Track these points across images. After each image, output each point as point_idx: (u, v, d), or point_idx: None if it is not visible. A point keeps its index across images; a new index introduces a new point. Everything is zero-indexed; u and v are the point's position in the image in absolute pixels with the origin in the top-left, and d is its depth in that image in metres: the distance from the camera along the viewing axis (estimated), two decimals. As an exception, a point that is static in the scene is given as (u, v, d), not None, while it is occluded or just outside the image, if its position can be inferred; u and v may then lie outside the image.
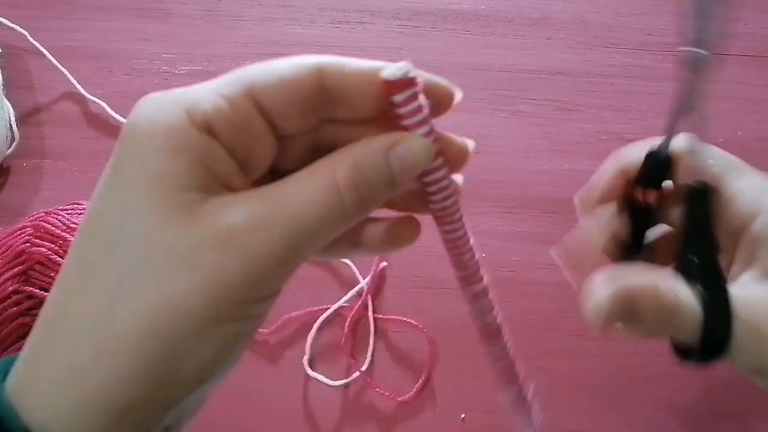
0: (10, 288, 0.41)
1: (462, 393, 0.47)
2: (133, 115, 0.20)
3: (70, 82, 0.55)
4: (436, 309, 0.49)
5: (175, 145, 0.19)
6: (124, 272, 0.19)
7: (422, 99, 0.23)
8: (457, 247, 0.25)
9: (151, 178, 0.19)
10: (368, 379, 0.46)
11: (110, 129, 0.54)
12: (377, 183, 0.21)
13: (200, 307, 0.19)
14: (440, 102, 0.24)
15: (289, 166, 0.22)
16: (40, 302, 0.41)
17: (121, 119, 0.53)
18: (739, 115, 0.56)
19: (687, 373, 0.48)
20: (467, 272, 0.26)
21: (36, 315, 0.41)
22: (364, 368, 0.47)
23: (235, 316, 0.20)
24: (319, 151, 0.22)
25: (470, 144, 0.25)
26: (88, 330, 0.19)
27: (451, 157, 0.24)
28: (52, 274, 0.41)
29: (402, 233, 0.24)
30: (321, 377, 0.46)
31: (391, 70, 0.23)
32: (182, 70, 0.57)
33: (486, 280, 0.26)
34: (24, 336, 0.41)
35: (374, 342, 0.48)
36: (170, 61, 0.57)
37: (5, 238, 0.44)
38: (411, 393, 0.46)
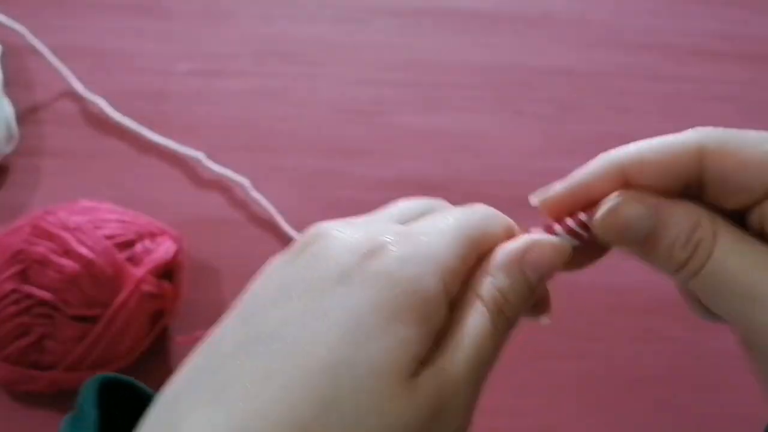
0: (9, 287, 0.41)
1: (461, 393, 0.46)
2: (380, 263, 0.20)
3: (69, 80, 0.54)
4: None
5: (426, 315, 0.19)
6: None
7: None
8: None
9: (395, 345, 0.19)
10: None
11: (109, 128, 0.54)
12: (519, 300, 0.22)
13: None
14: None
15: None
16: (38, 301, 0.41)
17: (121, 118, 0.53)
18: (740, 115, 0.56)
19: (687, 375, 0.48)
20: None
21: (34, 314, 0.41)
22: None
23: None
24: None
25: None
26: None
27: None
28: (51, 273, 0.41)
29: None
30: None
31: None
32: (181, 68, 0.56)
33: None
34: (22, 335, 0.41)
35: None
36: (169, 59, 0.57)
37: (3, 236, 0.43)
38: (410, 393, 0.46)
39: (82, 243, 0.42)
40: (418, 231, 0.21)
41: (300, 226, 0.49)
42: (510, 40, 0.59)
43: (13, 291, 0.41)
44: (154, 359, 0.46)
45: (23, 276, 0.42)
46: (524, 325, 0.50)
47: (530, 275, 0.22)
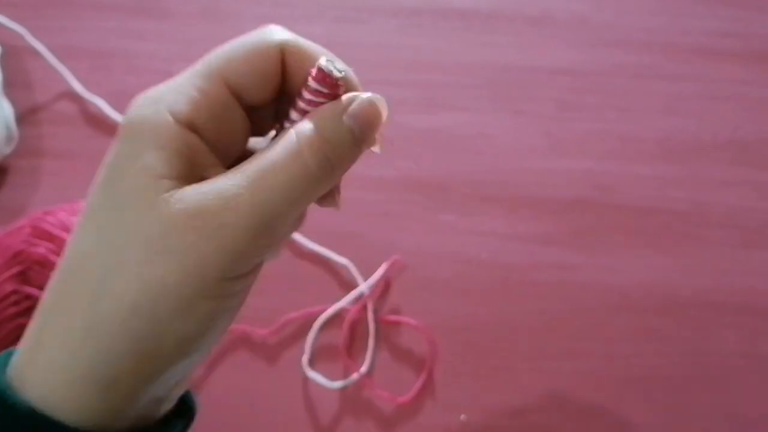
0: (9, 288, 0.41)
1: (462, 394, 0.47)
2: (127, 115, 0.23)
3: (69, 81, 0.54)
4: (436, 309, 0.49)
5: (159, 142, 0.21)
6: (112, 260, 0.21)
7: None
8: None
9: (138, 171, 0.21)
10: (368, 380, 0.46)
11: (109, 128, 0.54)
12: (340, 144, 0.22)
13: (178, 287, 0.20)
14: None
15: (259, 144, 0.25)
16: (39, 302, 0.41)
17: (120, 118, 0.53)
18: (740, 115, 0.56)
19: (686, 375, 0.48)
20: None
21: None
22: (363, 369, 0.47)
23: (213, 294, 0.21)
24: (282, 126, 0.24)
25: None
26: (79, 314, 0.21)
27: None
28: (51, 274, 0.41)
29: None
30: (320, 378, 0.46)
31: (328, 63, 0.24)
32: (181, 68, 0.56)
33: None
34: (22, 336, 0.41)
35: (374, 342, 0.48)
36: (169, 59, 0.57)
37: (4, 237, 0.43)
38: (410, 393, 0.46)
39: (82, 244, 0.42)
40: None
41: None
42: (510, 39, 0.59)
43: (14, 292, 0.41)
44: (155, 360, 0.46)
45: (23, 277, 0.42)
46: (524, 324, 0.51)
47: (352, 123, 0.23)
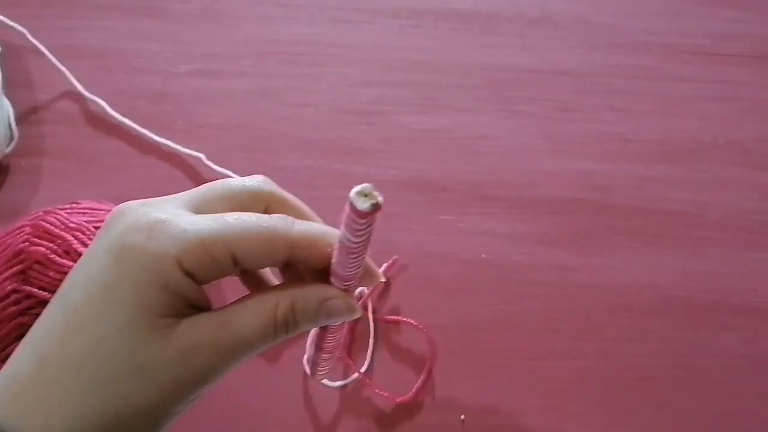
0: (9, 287, 0.41)
1: (462, 394, 0.47)
2: (134, 231, 0.25)
3: (70, 80, 0.55)
4: (436, 309, 0.49)
5: (164, 284, 0.24)
6: (108, 374, 0.24)
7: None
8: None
9: (144, 306, 0.24)
10: (367, 380, 0.46)
11: (110, 128, 0.54)
12: (304, 323, 0.27)
13: (156, 408, 0.24)
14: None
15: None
16: (39, 302, 0.41)
17: (121, 118, 0.53)
18: (740, 115, 0.56)
19: (687, 375, 0.48)
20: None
21: (35, 314, 0.41)
22: (363, 369, 0.47)
23: (182, 407, 0.25)
24: None
25: (382, 279, 0.31)
26: (75, 403, 0.24)
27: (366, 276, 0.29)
28: (51, 274, 0.41)
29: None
30: (320, 377, 0.46)
31: (363, 204, 0.24)
32: (182, 68, 0.57)
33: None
34: (22, 336, 0.41)
35: (373, 342, 0.48)
36: (170, 59, 0.57)
37: (4, 237, 0.43)
38: (410, 393, 0.46)
39: (83, 243, 0.42)
40: (182, 215, 0.26)
41: (300, 227, 0.49)
42: (510, 40, 0.59)
43: (14, 291, 0.41)
44: (155, 359, 0.46)
45: (24, 276, 0.42)
46: (523, 324, 0.51)
47: (322, 314, 0.27)
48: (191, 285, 0.25)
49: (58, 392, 0.24)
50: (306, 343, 0.47)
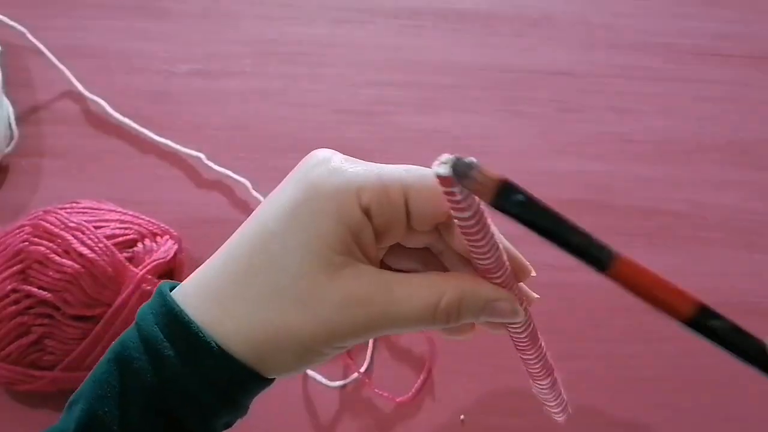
0: (9, 287, 0.41)
1: (461, 393, 0.47)
2: (324, 167, 0.26)
3: (70, 80, 0.55)
4: (435, 309, 0.49)
5: (342, 217, 0.25)
6: (276, 290, 0.25)
7: (464, 196, 0.25)
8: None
9: (320, 235, 0.25)
10: (367, 380, 0.46)
11: (110, 127, 0.54)
12: (466, 317, 0.27)
13: (307, 341, 0.25)
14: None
15: (404, 251, 0.29)
16: (39, 301, 0.41)
17: (121, 118, 0.53)
18: (741, 116, 0.56)
19: (686, 376, 0.48)
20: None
21: (34, 314, 0.41)
22: (363, 368, 0.47)
23: (328, 352, 0.26)
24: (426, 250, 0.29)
25: (533, 272, 0.30)
26: (247, 306, 0.25)
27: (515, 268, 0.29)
28: (51, 273, 0.41)
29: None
30: (320, 377, 0.46)
31: (440, 168, 0.24)
32: (182, 68, 0.57)
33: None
34: (22, 335, 0.41)
35: (373, 342, 0.48)
36: (170, 59, 0.57)
37: (4, 236, 0.43)
38: (410, 393, 0.46)
39: (83, 243, 0.42)
40: (369, 164, 0.28)
41: (300, 226, 0.49)
42: (510, 40, 0.59)
43: (14, 291, 0.41)
44: (154, 359, 0.46)
45: (23, 276, 0.42)
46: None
47: (487, 313, 0.27)
48: (366, 223, 0.26)
49: (242, 300, 0.25)
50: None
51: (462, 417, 0.46)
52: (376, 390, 0.46)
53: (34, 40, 0.55)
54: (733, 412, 0.47)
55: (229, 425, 0.28)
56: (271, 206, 0.26)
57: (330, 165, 0.26)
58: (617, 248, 0.55)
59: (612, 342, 0.48)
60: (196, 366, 0.25)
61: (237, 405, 0.27)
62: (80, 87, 0.54)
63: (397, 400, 0.46)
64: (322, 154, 0.27)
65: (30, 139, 0.53)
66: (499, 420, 0.46)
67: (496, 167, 0.60)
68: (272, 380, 0.27)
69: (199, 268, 0.27)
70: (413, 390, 0.46)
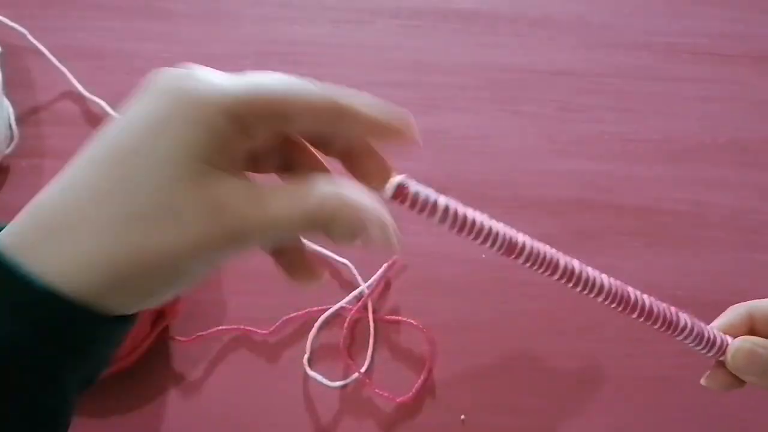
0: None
1: (462, 393, 0.47)
2: (186, 77, 0.24)
3: (70, 81, 0.55)
4: (436, 309, 0.49)
5: (210, 125, 0.23)
6: (135, 209, 0.23)
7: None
8: None
9: (186, 145, 0.23)
10: (368, 380, 0.46)
11: (110, 128, 0.54)
12: (341, 226, 0.25)
13: (178, 256, 0.23)
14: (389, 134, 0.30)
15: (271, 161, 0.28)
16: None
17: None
18: (741, 115, 0.56)
19: (687, 375, 0.48)
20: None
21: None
22: (363, 369, 0.47)
23: (203, 267, 0.25)
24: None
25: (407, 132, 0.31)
26: (92, 233, 0.23)
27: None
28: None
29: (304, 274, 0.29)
30: (320, 377, 0.46)
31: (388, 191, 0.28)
32: (182, 69, 0.56)
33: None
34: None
35: (374, 342, 0.48)
36: (170, 60, 0.57)
37: (4, 237, 0.43)
38: (410, 393, 0.46)
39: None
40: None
41: (300, 227, 0.49)
42: (510, 40, 0.59)
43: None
44: (156, 359, 0.46)
45: (24, 276, 0.41)
46: (523, 324, 0.51)
47: (358, 228, 0.25)
48: (237, 135, 0.24)
49: (85, 229, 0.23)
50: (306, 342, 0.47)
51: (463, 417, 0.46)
52: (377, 390, 0.46)
53: (34, 41, 0.55)
54: (734, 412, 0.47)
55: (89, 381, 0.26)
56: (127, 123, 0.24)
57: (194, 75, 0.24)
58: (618, 248, 0.55)
59: (612, 342, 0.48)
60: (14, 307, 0.22)
61: (84, 353, 0.24)
62: (80, 88, 0.54)
63: (398, 400, 0.46)
64: (181, 67, 0.25)
65: (30, 140, 0.53)
66: (499, 420, 0.46)
67: (497, 167, 0.60)
68: (124, 321, 0.25)
69: (32, 201, 0.25)
70: (414, 390, 0.46)
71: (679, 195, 0.53)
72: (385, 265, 0.49)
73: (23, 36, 0.55)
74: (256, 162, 0.27)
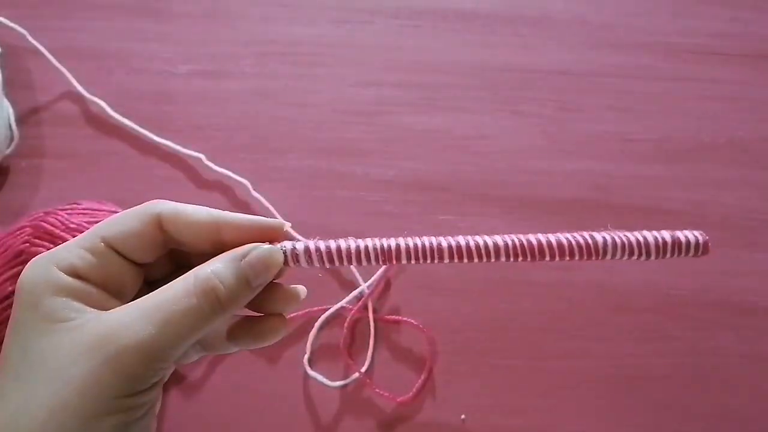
0: (9, 288, 0.41)
1: (462, 393, 0.47)
2: (22, 276, 0.26)
3: (70, 81, 0.55)
4: (436, 309, 0.49)
5: (53, 289, 0.25)
6: (28, 390, 0.24)
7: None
8: None
9: (38, 314, 0.24)
10: (368, 380, 0.46)
11: (110, 128, 0.54)
12: (233, 286, 0.26)
13: (79, 407, 0.23)
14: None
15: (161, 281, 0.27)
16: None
17: (121, 118, 0.53)
18: (740, 115, 0.56)
19: (686, 375, 0.48)
20: None
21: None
22: (363, 368, 0.47)
23: (113, 410, 0.24)
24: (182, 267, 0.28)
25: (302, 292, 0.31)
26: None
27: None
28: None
29: (265, 330, 0.29)
30: (321, 377, 0.46)
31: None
32: (182, 69, 0.57)
33: None
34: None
35: (374, 342, 0.48)
36: (170, 60, 0.57)
37: (4, 237, 0.43)
38: (411, 393, 0.46)
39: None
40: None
41: (300, 227, 0.49)
42: (509, 40, 0.59)
43: (14, 292, 0.41)
44: (155, 360, 0.46)
45: (24, 277, 0.41)
46: (523, 324, 0.51)
47: (247, 270, 0.26)
48: (81, 285, 0.26)
49: None
50: (306, 342, 0.47)
51: (463, 417, 0.46)
52: (377, 390, 0.46)
53: (34, 42, 0.55)
54: (734, 412, 0.47)
55: None
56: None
57: (31, 264, 0.26)
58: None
59: (612, 342, 0.48)
60: None
61: None
62: (80, 88, 0.54)
63: (398, 400, 0.46)
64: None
65: (30, 140, 0.53)
66: (500, 419, 0.46)
67: (497, 167, 0.60)
68: None
69: None
70: (414, 390, 0.46)
71: (679, 195, 0.53)
72: (385, 265, 0.49)
73: (23, 36, 0.55)
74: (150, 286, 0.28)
